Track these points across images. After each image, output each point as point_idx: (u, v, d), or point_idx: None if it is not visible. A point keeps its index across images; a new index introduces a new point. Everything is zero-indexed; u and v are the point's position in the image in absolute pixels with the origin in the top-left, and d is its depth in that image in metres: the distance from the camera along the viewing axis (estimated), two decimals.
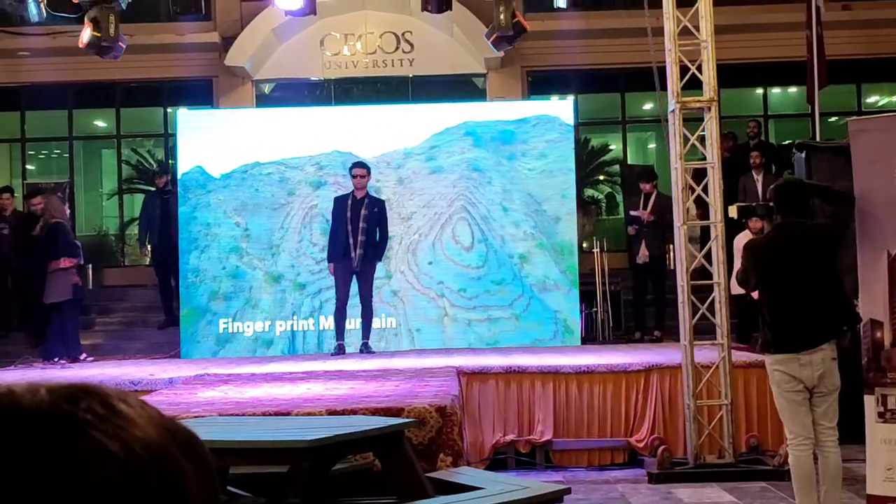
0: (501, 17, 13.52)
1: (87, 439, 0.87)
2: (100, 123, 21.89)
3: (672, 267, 14.08)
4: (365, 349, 13.55)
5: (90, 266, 15.32)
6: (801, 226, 7.30)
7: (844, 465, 7.37)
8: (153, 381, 10.90)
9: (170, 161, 18.96)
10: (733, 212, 8.22)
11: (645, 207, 15.27)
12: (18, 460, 0.85)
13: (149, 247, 16.71)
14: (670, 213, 15.53)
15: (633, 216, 15.59)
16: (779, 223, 7.39)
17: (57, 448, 0.86)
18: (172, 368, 12.37)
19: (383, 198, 14.36)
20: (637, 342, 14.65)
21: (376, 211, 13.64)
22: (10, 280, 16.13)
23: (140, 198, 20.03)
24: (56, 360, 13.80)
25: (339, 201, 13.74)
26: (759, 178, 15.42)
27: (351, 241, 13.40)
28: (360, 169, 13.70)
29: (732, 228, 12.01)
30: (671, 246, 14.85)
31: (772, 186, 7.83)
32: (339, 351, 13.43)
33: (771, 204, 7.68)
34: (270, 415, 7.99)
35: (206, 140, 14.93)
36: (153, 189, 17.36)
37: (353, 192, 13.66)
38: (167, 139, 19.94)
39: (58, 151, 21.66)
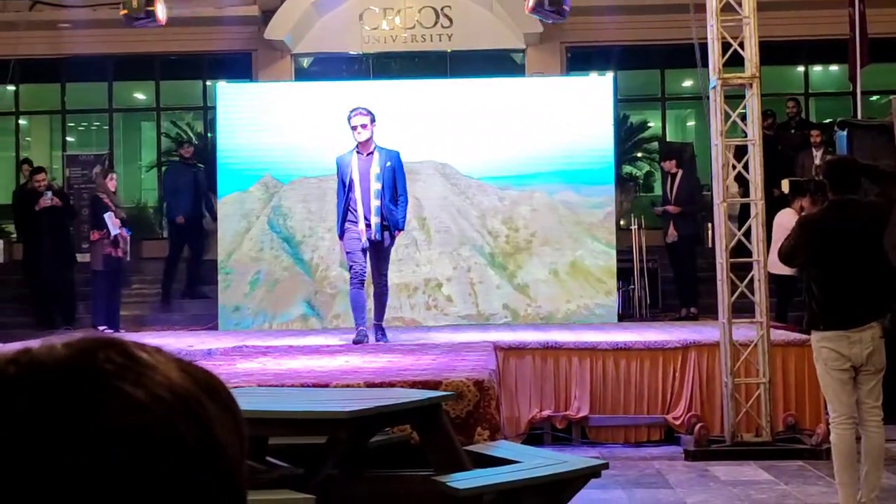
0: None
1: (109, 389, 0.87)
2: (139, 96, 21.99)
3: (709, 245, 14.06)
4: (379, 333, 11.47)
5: (129, 238, 15.42)
6: (854, 203, 7.24)
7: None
8: (192, 353, 10.95)
9: (208, 134, 19.02)
10: (786, 186, 8.18)
11: (671, 189, 15.29)
12: (43, 416, 0.85)
13: (179, 219, 16.71)
14: (699, 195, 15.57)
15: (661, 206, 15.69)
16: (833, 200, 7.30)
17: (79, 400, 0.86)
18: (211, 340, 12.46)
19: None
20: (684, 319, 14.60)
21: (389, 165, 11.24)
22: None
23: None
24: (98, 327, 14.11)
25: (343, 160, 11.34)
26: (817, 155, 15.33)
27: (362, 208, 11.08)
28: (360, 115, 11.19)
29: (772, 206, 11.93)
30: (709, 224, 14.82)
31: (823, 163, 7.78)
32: (362, 338, 11.33)
33: (821, 180, 7.62)
34: (309, 386, 8.02)
35: (245, 115, 14.95)
36: (177, 160, 17.48)
37: (356, 146, 11.25)
38: (206, 112, 20.00)
39: (97, 123, 21.79)
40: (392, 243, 11.50)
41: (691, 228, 15.32)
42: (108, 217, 14.24)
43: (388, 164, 11.20)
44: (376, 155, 11.19)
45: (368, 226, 11.07)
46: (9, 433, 0.84)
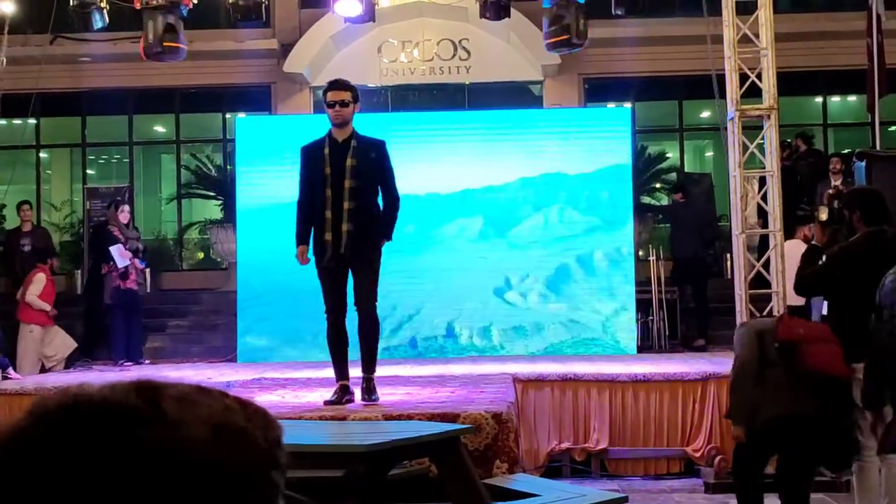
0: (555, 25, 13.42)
1: (153, 423, 0.97)
2: (159, 129, 22.13)
3: (728, 275, 14.01)
4: (367, 392, 8.75)
5: (148, 270, 15.45)
6: (888, 234, 7.19)
7: None
8: (210, 385, 10.93)
9: (228, 167, 19.10)
10: (824, 214, 8.12)
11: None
12: (96, 448, 0.95)
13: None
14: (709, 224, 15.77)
15: None
16: (870, 231, 7.22)
17: (124, 430, 0.95)
18: (229, 372, 12.46)
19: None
20: (693, 350, 14.61)
21: (373, 157, 8.57)
22: None
23: (199, 203, 20.30)
24: (119, 362, 14.12)
25: (311, 151, 8.68)
26: (836, 184, 15.30)
27: (329, 212, 8.43)
28: (338, 91, 8.67)
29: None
30: (728, 255, 14.79)
31: (849, 191, 7.73)
32: (340, 396, 8.72)
33: (840, 208, 7.57)
34: (327, 419, 8.02)
35: (265, 148, 14.99)
36: None
37: (329, 131, 8.65)
38: (226, 145, 20.11)
39: (118, 156, 21.94)
40: (376, 258, 8.70)
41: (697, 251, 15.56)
42: (115, 249, 14.22)
43: (372, 155, 8.58)
44: (354, 144, 8.57)
45: (337, 236, 8.43)
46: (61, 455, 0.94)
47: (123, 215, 14.76)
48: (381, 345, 12.85)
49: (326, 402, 8.65)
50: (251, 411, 1.05)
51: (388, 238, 8.69)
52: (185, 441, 0.95)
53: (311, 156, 8.62)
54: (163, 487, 0.93)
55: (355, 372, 8.94)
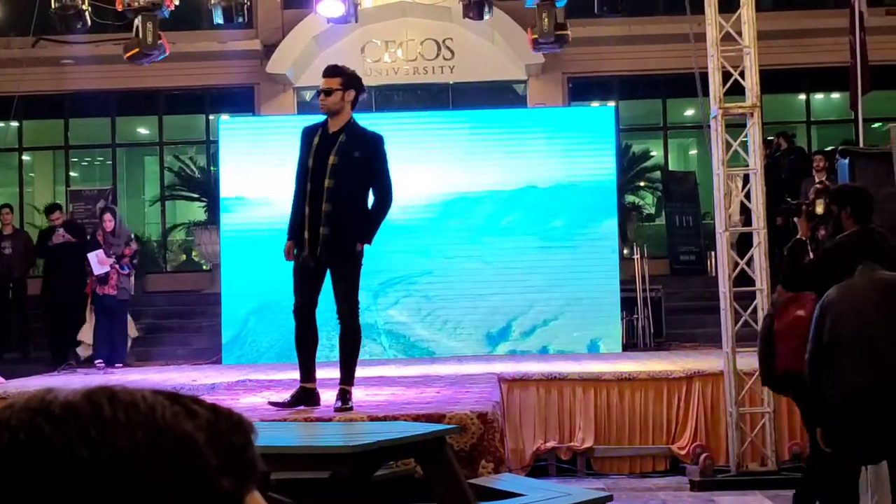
0: (544, 24, 13.43)
1: (100, 425, 0.98)
2: (142, 130, 22.07)
3: (712, 273, 14.03)
4: (342, 400, 8.19)
5: (133, 273, 15.37)
6: (879, 232, 7.19)
7: None
8: (195, 387, 10.93)
9: (211, 168, 19.06)
10: (820, 207, 8.11)
11: None
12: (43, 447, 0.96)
13: None
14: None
15: None
16: (863, 228, 7.19)
17: (78, 431, 0.97)
18: (214, 374, 12.45)
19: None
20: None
21: (357, 156, 7.85)
22: (11, 294, 16.31)
23: (182, 205, 20.26)
24: (95, 362, 14.13)
25: (305, 137, 8.13)
26: (823, 179, 15.31)
27: (308, 208, 7.83)
28: (325, 78, 8.02)
29: (774, 235, 11.90)
30: (711, 253, 14.81)
31: (837, 188, 7.74)
32: (295, 400, 8.31)
33: (828, 203, 7.56)
34: (312, 420, 8.00)
35: (248, 149, 14.95)
36: None
37: (324, 121, 8.08)
38: (209, 146, 20.06)
39: (101, 158, 21.88)
40: (355, 263, 7.99)
41: None
42: (93, 256, 14.15)
43: (356, 153, 7.84)
44: (342, 140, 7.88)
45: (314, 238, 7.81)
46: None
47: (107, 223, 14.67)
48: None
49: (272, 403, 8.38)
50: (220, 416, 1.04)
51: (367, 241, 7.99)
52: (116, 442, 0.96)
53: (304, 142, 8.07)
54: (87, 489, 0.94)
55: (326, 374, 8.94)
